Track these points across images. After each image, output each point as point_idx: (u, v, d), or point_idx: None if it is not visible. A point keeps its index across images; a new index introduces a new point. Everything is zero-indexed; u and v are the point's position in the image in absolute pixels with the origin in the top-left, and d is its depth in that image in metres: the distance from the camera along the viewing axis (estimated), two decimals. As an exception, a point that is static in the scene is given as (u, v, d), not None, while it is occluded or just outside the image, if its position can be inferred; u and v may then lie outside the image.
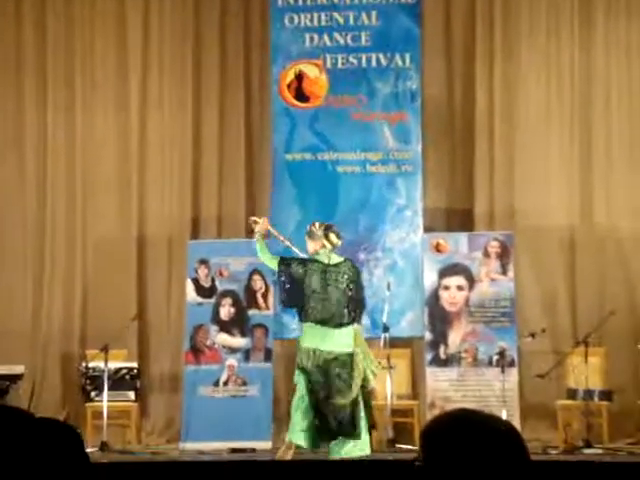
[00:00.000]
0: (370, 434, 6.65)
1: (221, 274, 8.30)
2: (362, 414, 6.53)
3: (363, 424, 6.55)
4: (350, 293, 6.70)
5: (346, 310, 6.67)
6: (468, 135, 8.74)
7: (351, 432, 6.51)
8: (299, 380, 6.63)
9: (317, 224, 6.79)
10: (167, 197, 8.97)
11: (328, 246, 6.73)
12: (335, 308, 6.66)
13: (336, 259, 6.78)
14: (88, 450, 2.00)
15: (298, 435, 6.56)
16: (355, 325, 6.69)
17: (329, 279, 6.71)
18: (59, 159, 9.04)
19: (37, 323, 8.87)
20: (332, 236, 6.72)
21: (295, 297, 6.70)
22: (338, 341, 6.63)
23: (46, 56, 9.03)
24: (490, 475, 1.67)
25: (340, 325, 6.65)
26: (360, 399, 6.56)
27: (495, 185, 8.66)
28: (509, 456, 1.70)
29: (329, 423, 6.54)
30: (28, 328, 8.86)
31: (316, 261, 6.70)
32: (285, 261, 6.78)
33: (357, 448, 6.55)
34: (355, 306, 6.73)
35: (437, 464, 1.69)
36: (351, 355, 6.58)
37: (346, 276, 6.73)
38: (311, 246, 6.78)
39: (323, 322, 6.63)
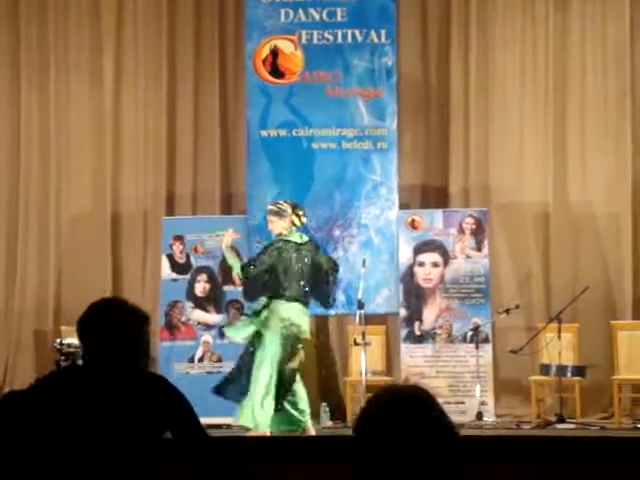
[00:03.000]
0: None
1: (196, 250, 8.30)
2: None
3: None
4: (314, 271, 6.84)
5: (306, 291, 6.82)
6: (443, 112, 8.75)
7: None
8: (268, 351, 6.68)
9: (285, 202, 6.87)
10: (141, 174, 8.94)
11: (298, 224, 6.83)
12: (304, 285, 6.81)
13: (304, 238, 6.89)
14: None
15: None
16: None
17: (303, 258, 6.82)
18: (32, 136, 9.00)
19: (10, 300, 8.87)
20: (301, 214, 6.84)
21: (270, 285, 6.78)
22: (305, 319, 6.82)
23: (19, 35, 8.97)
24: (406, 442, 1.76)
25: (307, 304, 6.85)
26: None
27: (470, 162, 8.67)
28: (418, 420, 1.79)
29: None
30: (1, 305, 8.89)
31: (288, 241, 6.78)
32: (255, 260, 6.82)
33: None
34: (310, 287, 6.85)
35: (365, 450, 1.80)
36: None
37: (311, 254, 6.85)
38: (279, 225, 6.84)
39: (296, 299, 6.76)
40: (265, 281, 6.77)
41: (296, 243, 6.82)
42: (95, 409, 2.56)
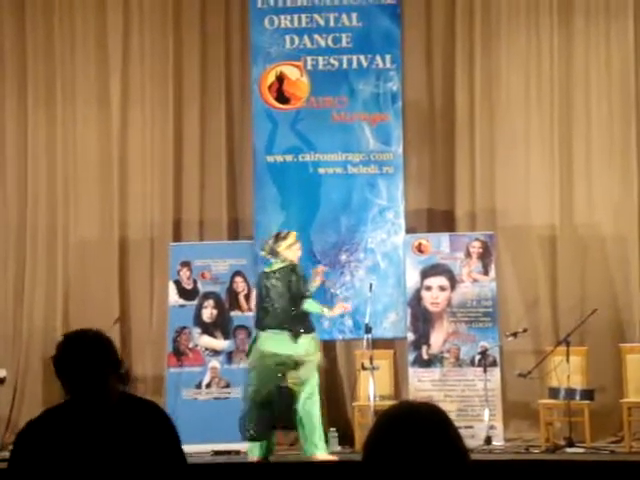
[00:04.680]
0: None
1: (203, 276, 8.30)
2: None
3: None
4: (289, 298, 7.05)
5: (290, 315, 7.03)
6: (449, 136, 8.76)
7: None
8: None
9: (275, 234, 7.24)
10: (149, 199, 8.96)
11: (280, 254, 7.13)
12: (273, 313, 7.09)
13: (278, 265, 7.08)
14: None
15: None
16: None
17: (276, 284, 7.08)
18: (40, 161, 9.02)
19: (18, 326, 8.86)
20: (280, 243, 7.15)
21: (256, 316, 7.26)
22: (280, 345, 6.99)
23: (25, 52, 9.00)
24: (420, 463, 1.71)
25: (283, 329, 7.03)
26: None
27: (476, 186, 8.67)
28: (435, 441, 1.74)
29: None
30: (9, 331, 8.86)
31: (265, 271, 7.19)
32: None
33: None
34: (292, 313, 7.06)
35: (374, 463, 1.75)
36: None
37: (284, 280, 7.03)
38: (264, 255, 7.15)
39: (276, 327, 7.02)
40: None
41: (271, 272, 6.99)
42: (88, 445, 2.58)
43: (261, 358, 6.86)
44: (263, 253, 7.10)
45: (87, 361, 2.65)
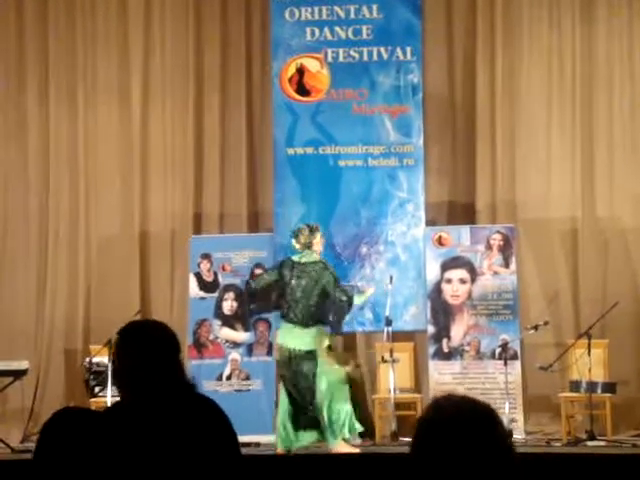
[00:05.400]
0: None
1: (224, 269, 8.30)
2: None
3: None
4: (319, 292, 7.08)
5: (311, 310, 7.05)
6: (470, 128, 8.73)
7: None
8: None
9: (305, 225, 7.25)
10: (169, 193, 8.98)
11: (314, 247, 7.15)
12: (300, 305, 7.08)
13: (313, 257, 7.09)
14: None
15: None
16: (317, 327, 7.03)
17: (305, 277, 7.05)
18: (61, 155, 9.05)
19: (40, 319, 8.89)
20: (316, 236, 7.16)
21: (277, 305, 7.30)
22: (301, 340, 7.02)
23: (47, 48, 9.02)
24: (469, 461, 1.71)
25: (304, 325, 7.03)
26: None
27: (497, 178, 8.63)
28: (486, 439, 1.73)
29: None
30: (32, 324, 8.89)
31: (290, 260, 7.18)
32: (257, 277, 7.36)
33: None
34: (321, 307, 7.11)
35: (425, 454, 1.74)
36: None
37: (315, 276, 7.02)
38: (297, 247, 7.13)
39: (297, 322, 7.04)
40: (272, 299, 7.06)
41: (299, 263, 6.95)
42: (155, 442, 2.53)
43: (279, 350, 6.98)
44: (298, 246, 7.04)
45: (166, 351, 2.60)
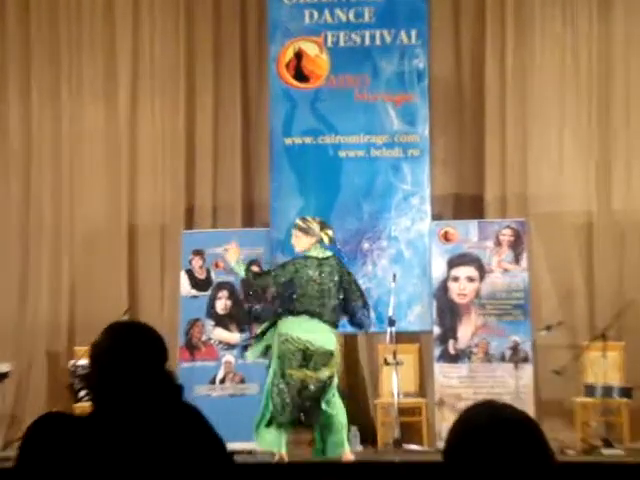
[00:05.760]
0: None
1: (217, 265, 8.26)
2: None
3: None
4: (335, 291, 6.88)
5: (332, 307, 6.83)
6: (478, 116, 8.69)
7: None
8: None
9: (313, 219, 6.93)
10: (159, 185, 8.94)
11: (326, 241, 6.87)
12: (328, 302, 6.80)
13: (327, 252, 6.92)
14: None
15: None
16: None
17: (324, 272, 6.83)
18: (44, 144, 8.99)
19: (22, 319, 8.84)
20: (330, 233, 6.91)
21: (283, 303, 6.87)
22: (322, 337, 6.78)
23: (29, 41, 8.99)
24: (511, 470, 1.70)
25: (328, 322, 6.81)
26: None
27: (507, 169, 8.60)
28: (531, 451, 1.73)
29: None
30: (13, 324, 8.83)
31: (308, 257, 6.84)
32: (272, 272, 6.94)
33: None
34: (338, 305, 6.89)
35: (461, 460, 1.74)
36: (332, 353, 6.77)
37: (336, 269, 6.88)
38: (304, 242, 6.88)
39: (307, 313, 6.77)
40: (280, 298, 6.87)
41: (317, 258, 6.84)
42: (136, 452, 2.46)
43: (284, 342, 6.73)
44: (313, 240, 6.88)
45: (152, 356, 2.54)
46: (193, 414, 2.57)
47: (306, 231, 6.88)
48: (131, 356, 2.51)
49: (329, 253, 6.95)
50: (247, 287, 7.29)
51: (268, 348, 6.84)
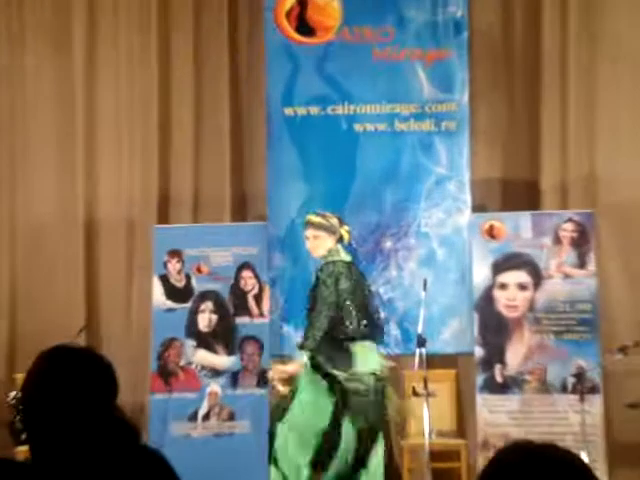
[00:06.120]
0: None
1: (199, 270, 8.30)
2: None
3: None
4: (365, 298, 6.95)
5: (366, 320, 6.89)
6: (533, 79, 8.68)
7: None
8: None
9: (329, 213, 6.92)
10: (125, 168, 8.97)
11: (346, 240, 6.88)
12: (363, 316, 6.82)
13: (348, 254, 6.93)
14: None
15: None
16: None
17: (355, 280, 6.81)
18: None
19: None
20: (347, 228, 6.93)
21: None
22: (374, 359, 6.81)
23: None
24: None
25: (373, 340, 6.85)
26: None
27: (569, 147, 8.58)
28: None
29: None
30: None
31: (337, 262, 6.77)
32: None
33: None
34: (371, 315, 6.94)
35: None
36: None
37: (359, 275, 6.93)
38: (328, 242, 6.81)
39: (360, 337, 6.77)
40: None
41: (345, 262, 6.80)
42: None
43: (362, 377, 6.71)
44: (335, 239, 6.81)
45: (95, 389, 2.60)
46: (153, 462, 2.62)
47: (329, 228, 6.82)
48: (70, 391, 2.54)
49: (348, 257, 6.90)
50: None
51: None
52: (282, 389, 6.82)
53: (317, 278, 6.81)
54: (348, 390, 6.63)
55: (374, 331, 6.82)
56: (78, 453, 2.52)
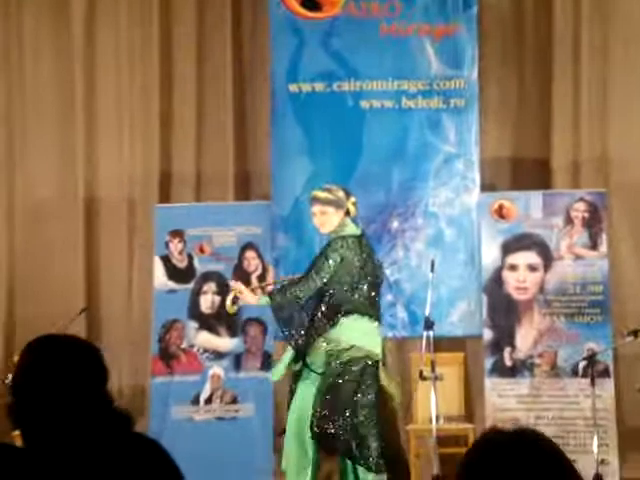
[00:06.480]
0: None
1: (201, 250, 8.30)
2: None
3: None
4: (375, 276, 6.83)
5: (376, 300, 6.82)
6: (544, 55, 8.67)
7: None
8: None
9: (334, 187, 6.80)
10: (126, 146, 8.96)
11: (353, 214, 6.77)
12: (373, 294, 6.72)
13: (359, 227, 6.85)
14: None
15: None
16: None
17: (365, 255, 6.68)
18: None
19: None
20: (353, 200, 6.80)
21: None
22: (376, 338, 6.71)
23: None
24: None
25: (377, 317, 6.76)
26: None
27: (582, 124, 8.58)
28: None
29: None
30: None
31: (346, 236, 6.65)
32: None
33: None
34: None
35: None
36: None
37: (370, 251, 6.82)
38: (336, 218, 6.68)
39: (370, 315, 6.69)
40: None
41: (356, 237, 6.67)
42: None
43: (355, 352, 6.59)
44: (342, 213, 6.68)
45: (84, 379, 2.58)
46: (148, 449, 2.59)
47: (336, 203, 6.67)
48: (59, 380, 2.55)
49: (358, 231, 6.78)
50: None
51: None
52: (229, 304, 6.76)
53: (322, 250, 6.68)
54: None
55: (376, 308, 6.72)
56: (70, 441, 2.51)
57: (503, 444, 1.90)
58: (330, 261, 6.52)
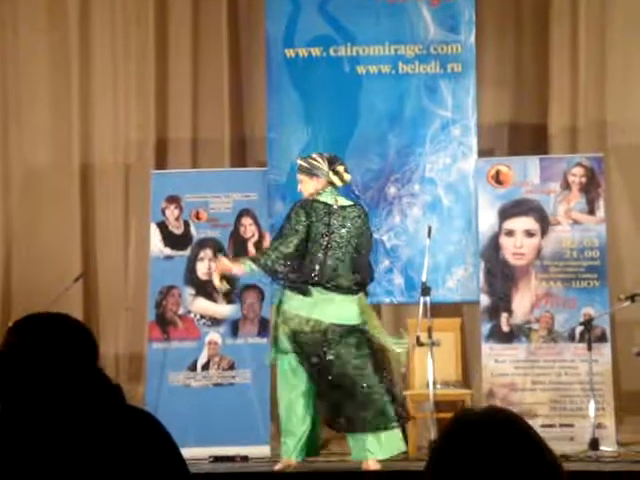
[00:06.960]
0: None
1: (198, 217, 8.32)
2: (388, 402, 6.78)
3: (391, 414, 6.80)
4: (356, 249, 6.86)
5: (351, 272, 6.81)
6: (541, 19, 8.66)
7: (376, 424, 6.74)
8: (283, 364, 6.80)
9: (320, 156, 6.89)
10: (122, 112, 8.97)
11: (338, 183, 6.82)
12: (340, 266, 6.75)
13: (344, 201, 6.87)
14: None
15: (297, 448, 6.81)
16: (360, 294, 6.85)
17: (333, 225, 6.75)
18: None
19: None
20: (341, 169, 6.82)
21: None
22: (341, 312, 6.74)
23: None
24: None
25: (347, 291, 6.74)
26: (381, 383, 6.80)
27: (579, 89, 8.57)
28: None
29: (339, 415, 6.77)
30: None
31: (317, 201, 6.75)
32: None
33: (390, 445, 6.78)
34: (361, 268, 6.85)
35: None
36: (360, 329, 6.78)
37: (356, 224, 6.84)
38: (310, 185, 6.83)
39: (325, 285, 6.72)
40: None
41: (326, 204, 6.75)
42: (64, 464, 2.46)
43: (300, 325, 6.70)
44: (320, 183, 6.79)
45: (75, 355, 2.53)
46: (142, 421, 2.55)
47: (309, 172, 6.80)
48: (47, 357, 2.51)
49: (347, 202, 6.86)
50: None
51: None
52: (218, 284, 6.84)
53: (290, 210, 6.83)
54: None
55: (356, 282, 6.76)
56: (61, 416, 2.48)
57: (474, 425, 1.89)
58: (297, 217, 6.65)
